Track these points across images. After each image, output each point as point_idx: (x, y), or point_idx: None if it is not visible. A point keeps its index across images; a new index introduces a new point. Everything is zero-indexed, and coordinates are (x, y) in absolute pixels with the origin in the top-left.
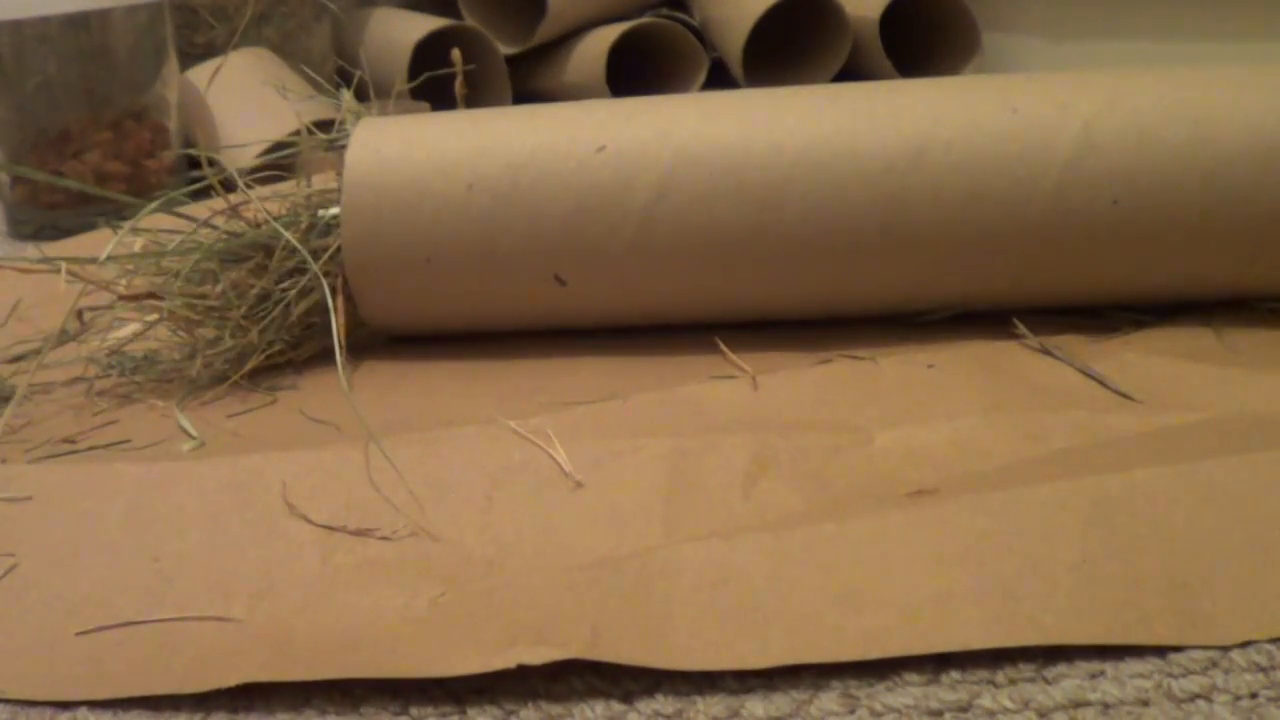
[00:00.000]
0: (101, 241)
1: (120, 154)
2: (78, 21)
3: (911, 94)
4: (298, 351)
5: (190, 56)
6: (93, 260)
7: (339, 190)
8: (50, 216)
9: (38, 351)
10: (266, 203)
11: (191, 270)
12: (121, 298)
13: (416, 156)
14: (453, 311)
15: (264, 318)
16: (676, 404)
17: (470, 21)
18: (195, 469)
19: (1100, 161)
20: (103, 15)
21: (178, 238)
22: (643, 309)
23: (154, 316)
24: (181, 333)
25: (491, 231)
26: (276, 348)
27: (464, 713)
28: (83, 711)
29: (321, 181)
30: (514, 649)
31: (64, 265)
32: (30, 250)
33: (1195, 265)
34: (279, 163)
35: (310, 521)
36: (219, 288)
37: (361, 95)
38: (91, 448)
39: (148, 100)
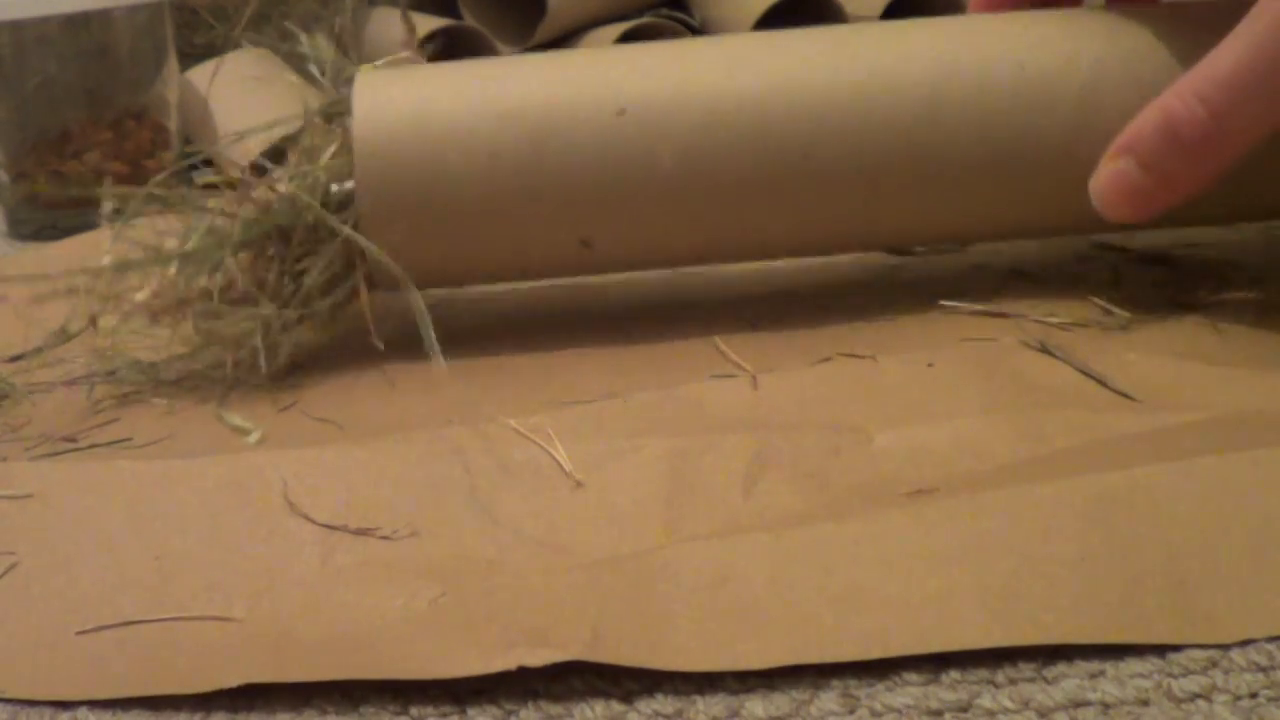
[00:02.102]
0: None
1: (120, 154)
2: (78, 21)
3: (922, 43)
4: (326, 330)
5: (190, 56)
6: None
7: (349, 162)
8: (50, 216)
9: (38, 351)
10: (272, 181)
11: (210, 267)
12: (154, 314)
13: (430, 125)
14: (475, 271)
15: (289, 299)
16: (676, 403)
17: (470, 21)
18: (196, 467)
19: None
20: (103, 15)
21: (187, 232)
22: (668, 260)
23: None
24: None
25: (515, 201)
26: (307, 331)
27: (464, 713)
28: (83, 711)
29: (317, 145)
30: (514, 650)
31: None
32: (30, 251)
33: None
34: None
35: (311, 521)
36: (230, 277)
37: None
38: (92, 446)
39: (148, 100)
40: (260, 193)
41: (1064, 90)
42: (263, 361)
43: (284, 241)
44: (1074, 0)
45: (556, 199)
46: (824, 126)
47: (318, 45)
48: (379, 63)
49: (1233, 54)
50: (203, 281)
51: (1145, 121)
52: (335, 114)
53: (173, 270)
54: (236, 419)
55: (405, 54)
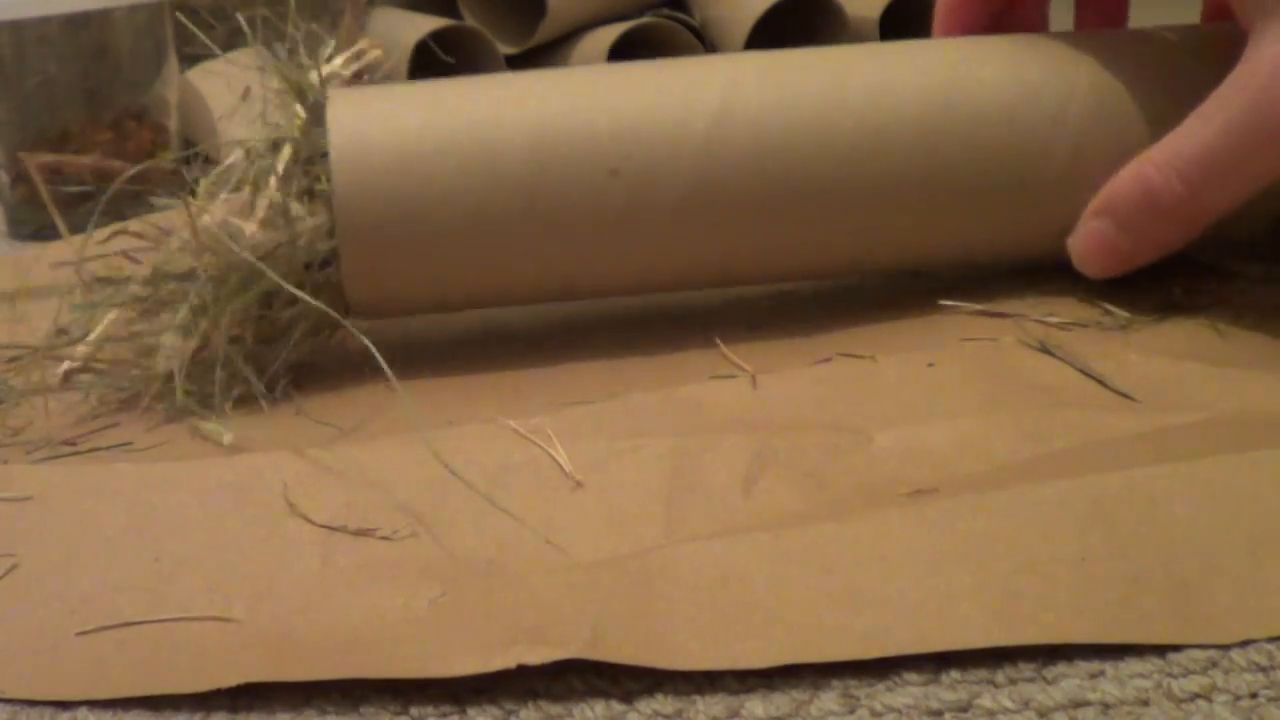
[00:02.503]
0: (101, 239)
1: (120, 154)
2: (78, 21)
3: (919, 80)
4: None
5: (190, 56)
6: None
7: (329, 214)
8: (50, 216)
9: (36, 352)
10: (257, 245)
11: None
12: (145, 403)
13: (412, 187)
14: (459, 304)
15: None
16: (676, 403)
17: (470, 21)
18: (196, 469)
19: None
20: (103, 15)
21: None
22: (659, 287)
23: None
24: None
25: (505, 260)
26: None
27: (464, 713)
28: (83, 711)
29: (292, 190)
30: (514, 649)
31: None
32: (30, 250)
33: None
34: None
35: (311, 522)
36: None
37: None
38: (92, 449)
39: (148, 100)
40: (241, 258)
41: (1069, 104)
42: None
43: (263, 303)
44: (1034, 23)
45: (545, 258)
46: (818, 183)
47: (280, 67)
48: (337, 60)
49: (1209, 134)
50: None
51: (1124, 186)
52: (308, 157)
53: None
54: (209, 425)
55: (363, 44)
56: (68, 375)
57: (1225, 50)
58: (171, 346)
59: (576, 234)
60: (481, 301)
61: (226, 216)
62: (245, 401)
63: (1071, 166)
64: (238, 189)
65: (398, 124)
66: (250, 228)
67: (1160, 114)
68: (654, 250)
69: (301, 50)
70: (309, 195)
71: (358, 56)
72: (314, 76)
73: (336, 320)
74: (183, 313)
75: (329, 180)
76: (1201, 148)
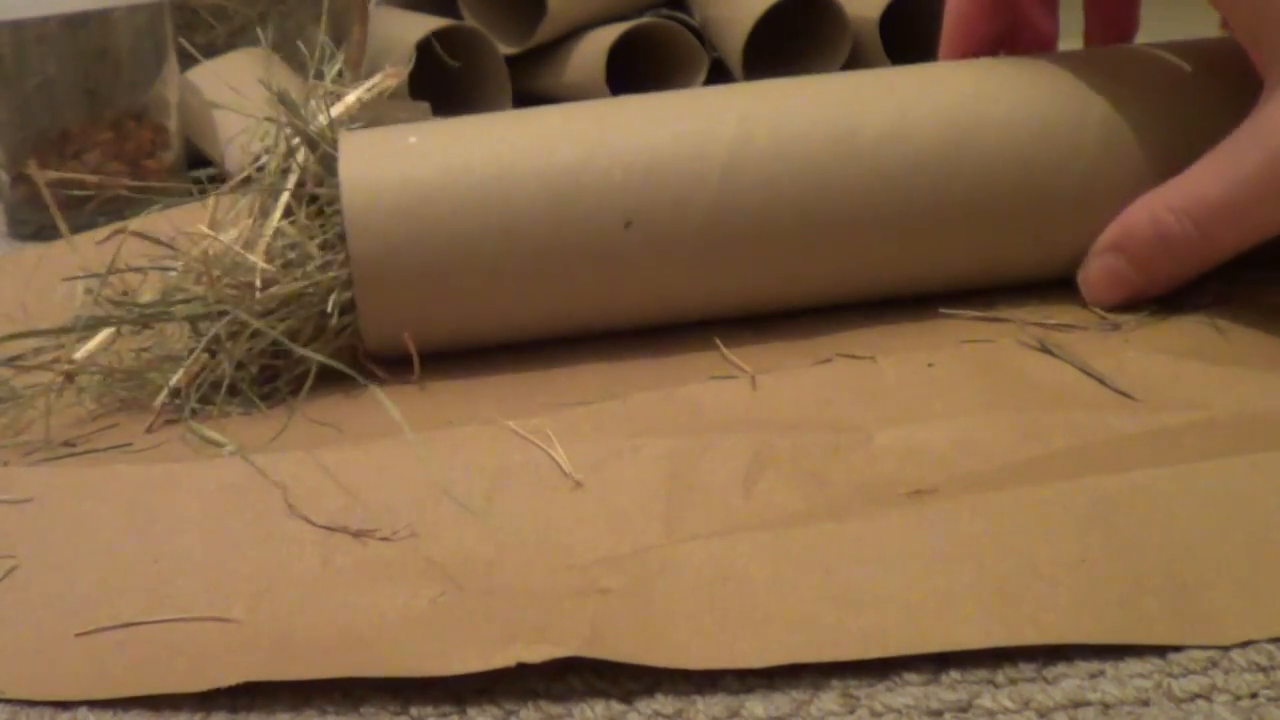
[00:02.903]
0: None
1: (120, 154)
2: (78, 21)
3: (935, 114)
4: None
5: (190, 56)
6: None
7: (346, 270)
8: (50, 216)
9: (38, 353)
10: (270, 300)
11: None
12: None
13: (429, 243)
14: (474, 344)
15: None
16: (676, 404)
17: (470, 21)
18: (195, 470)
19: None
20: (103, 15)
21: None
22: (672, 321)
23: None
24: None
25: (521, 312)
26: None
27: (464, 712)
28: (83, 711)
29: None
30: (513, 647)
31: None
32: (29, 251)
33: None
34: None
35: (311, 522)
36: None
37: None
38: (92, 450)
39: (148, 100)
40: (262, 304)
41: (1082, 138)
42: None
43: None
44: (1046, 33)
45: (559, 305)
46: (829, 230)
47: (277, 108)
48: (355, 126)
49: (1223, 184)
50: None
51: (1137, 226)
52: (319, 201)
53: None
54: (209, 433)
55: (391, 73)
56: (69, 377)
57: (1234, 68)
58: (175, 372)
59: (590, 284)
60: (497, 341)
61: (235, 247)
62: (244, 400)
63: (1081, 202)
64: (248, 216)
65: (410, 177)
66: (259, 262)
67: (1169, 144)
68: (666, 295)
69: (311, 73)
70: (322, 245)
71: (374, 88)
72: (324, 119)
73: (350, 373)
74: (190, 359)
75: (341, 234)
76: (1216, 196)
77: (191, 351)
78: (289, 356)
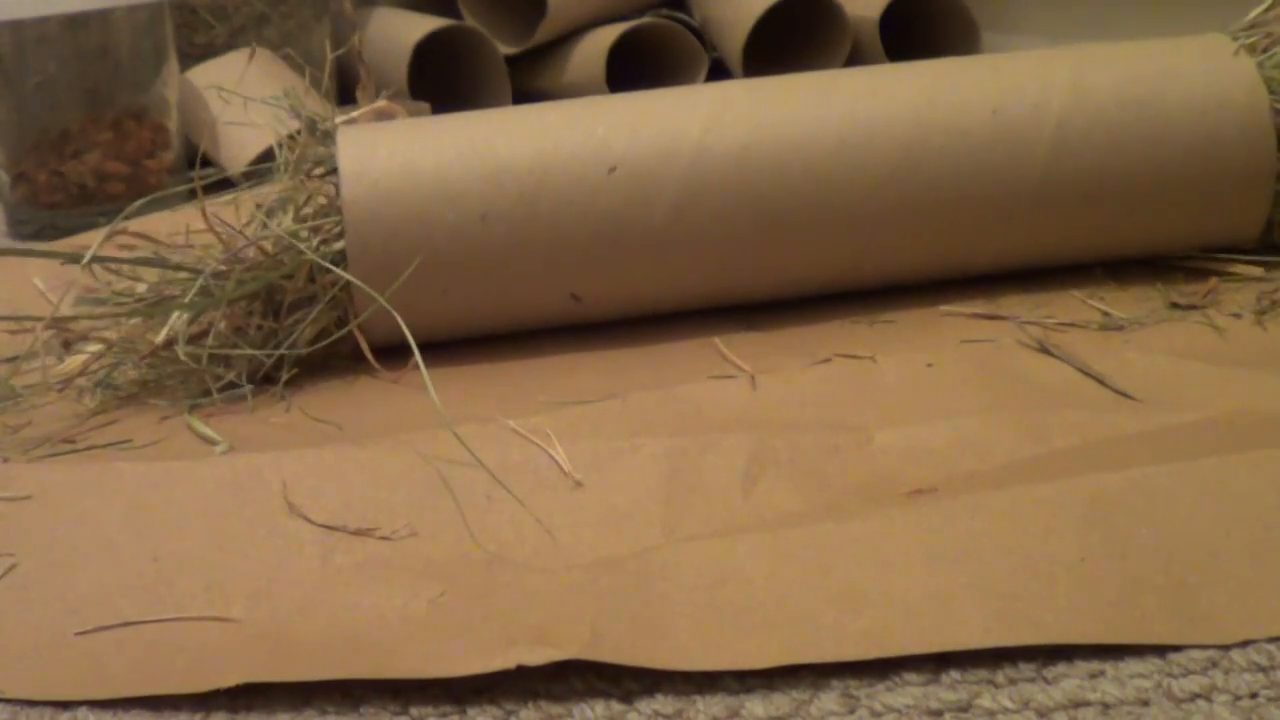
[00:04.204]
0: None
1: (120, 154)
2: (78, 21)
3: (899, 92)
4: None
5: (190, 56)
6: (75, 258)
7: (338, 223)
8: (50, 216)
9: (37, 353)
10: (264, 241)
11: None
12: (143, 357)
13: (421, 187)
14: (465, 327)
15: (273, 348)
16: (675, 403)
17: (470, 21)
18: (195, 468)
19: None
20: (103, 15)
21: (158, 284)
22: (655, 310)
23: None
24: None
25: (506, 260)
26: (292, 372)
27: (464, 713)
28: (83, 711)
29: (301, 198)
30: (513, 649)
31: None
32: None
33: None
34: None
35: (310, 521)
36: (220, 324)
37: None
38: (91, 447)
39: (148, 100)
40: (253, 253)
41: (1037, 132)
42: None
43: (270, 298)
44: None
45: (547, 257)
46: (808, 177)
47: (295, 95)
48: (355, 114)
49: None
50: (184, 329)
51: None
52: (321, 174)
53: (168, 322)
54: (204, 428)
55: (383, 100)
56: (65, 344)
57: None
58: (174, 320)
59: (577, 234)
60: (488, 313)
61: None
62: (245, 399)
63: (1052, 162)
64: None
65: (404, 143)
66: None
67: (1143, 108)
68: (652, 255)
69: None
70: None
71: (378, 114)
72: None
73: (342, 318)
74: (192, 292)
75: (338, 191)
76: None
77: (186, 292)
78: (282, 319)
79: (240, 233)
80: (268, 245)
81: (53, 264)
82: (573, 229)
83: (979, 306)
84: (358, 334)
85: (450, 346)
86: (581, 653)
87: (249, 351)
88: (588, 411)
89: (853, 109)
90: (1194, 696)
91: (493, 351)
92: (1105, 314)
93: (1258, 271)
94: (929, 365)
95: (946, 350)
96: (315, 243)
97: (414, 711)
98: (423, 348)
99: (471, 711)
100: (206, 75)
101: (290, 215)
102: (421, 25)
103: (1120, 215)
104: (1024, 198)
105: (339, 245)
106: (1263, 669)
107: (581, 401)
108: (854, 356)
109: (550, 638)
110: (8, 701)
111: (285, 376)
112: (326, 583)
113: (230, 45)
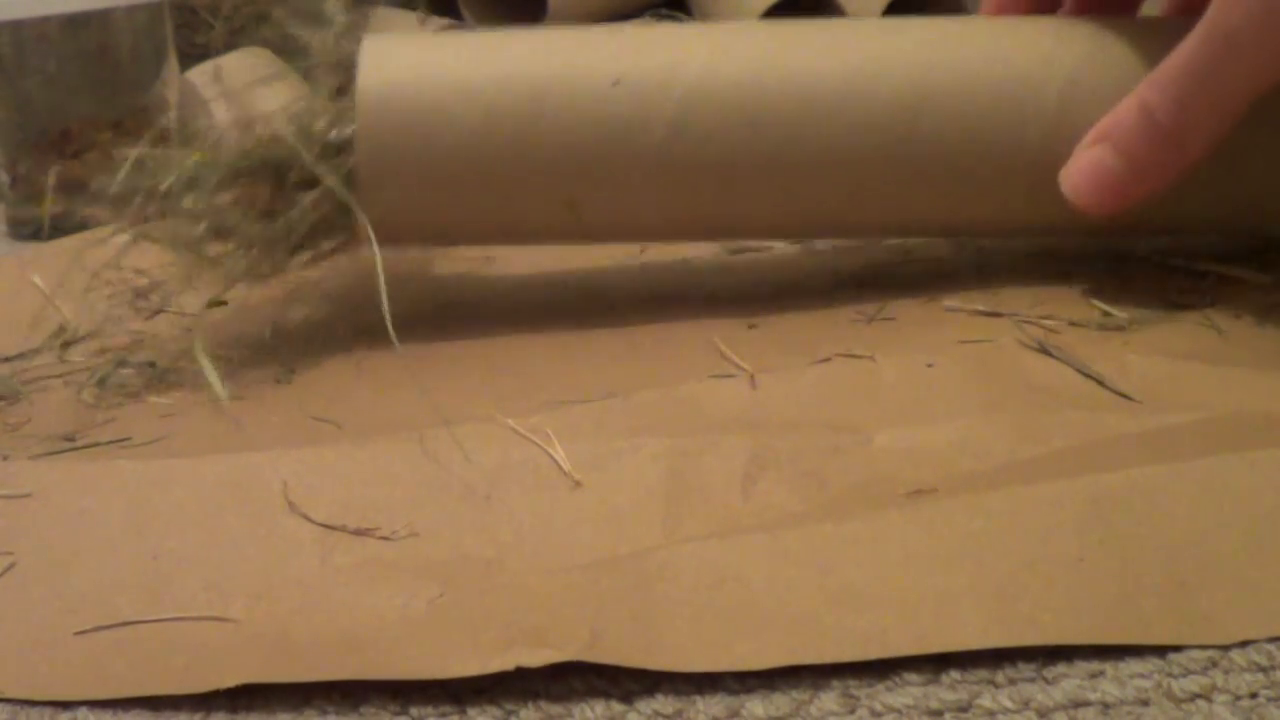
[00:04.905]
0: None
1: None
2: (78, 21)
3: (912, 35)
4: (312, 262)
5: (190, 56)
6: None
7: (351, 110)
8: (50, 216)
9: (37, 351)
10: (274, 118)
11: (197, 190)
12: (133, 224)
13: (432, 81)
14: (465, 229)
15: (274, 233)
16: (675, 403)
17: (470, 21)
18: (194, 466)
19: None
20: (103, 15)
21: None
22: (651, 232)
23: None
24: (186, 252)
25: (510, 160)
26: (297, 258)
27: (464, 713)
28: (83, 711)
29: (321, 94)
30: (512, 650)
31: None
32: (30, 251)
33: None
34: None
35: (310, 520)
36: (225, 198)
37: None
38: (91, 445)
39: (148, 100)
40: (260, 128)
41: (1044, 91)
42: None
43: (278, 180)
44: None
45: (548, 160)
46: (812, 110)
47: (322, 41)
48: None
49: (1188, 45)
50: (189, 203)
51: (1124, 112)
52: (343, 68)
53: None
54: (208, 366)
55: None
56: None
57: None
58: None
59: (577, 140)
60: (488, 213)
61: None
62: (245, 393)
63: (1060, 116)
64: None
65: (422, 44)
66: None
67: (1148, 51)
68: (648, 173)
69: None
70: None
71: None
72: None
73: (347, 206)
74: (195, 156)
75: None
76: (1182, 59)
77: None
78: (287, 196)
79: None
80: (278, 124)
81: (52, 262)
82: (573, 134)
83: (979, 303)
84: (360, 216)
85: (448, 345)
86: (580, 654)
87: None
88: (587, 410)
89: (862, 46)
90: (1194, 696)
91: (492, 350)
92: (1105, 313)
93: (1263, 280)
94: (929, 365)
95: (946, 350)
96: (325, 125)
97: (414, 711)
98: (414, 341)
99: (471, 711)
100: (206, 75)
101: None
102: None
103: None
104: (1031, 146)
105: (348, 131)
106: (1263, 669)
107: (581, 400)
108: (854, 356)
109: (549, 639)
110: (7, 701)
111: (284, 369)
112: (326, 583)
113: (230, 45)
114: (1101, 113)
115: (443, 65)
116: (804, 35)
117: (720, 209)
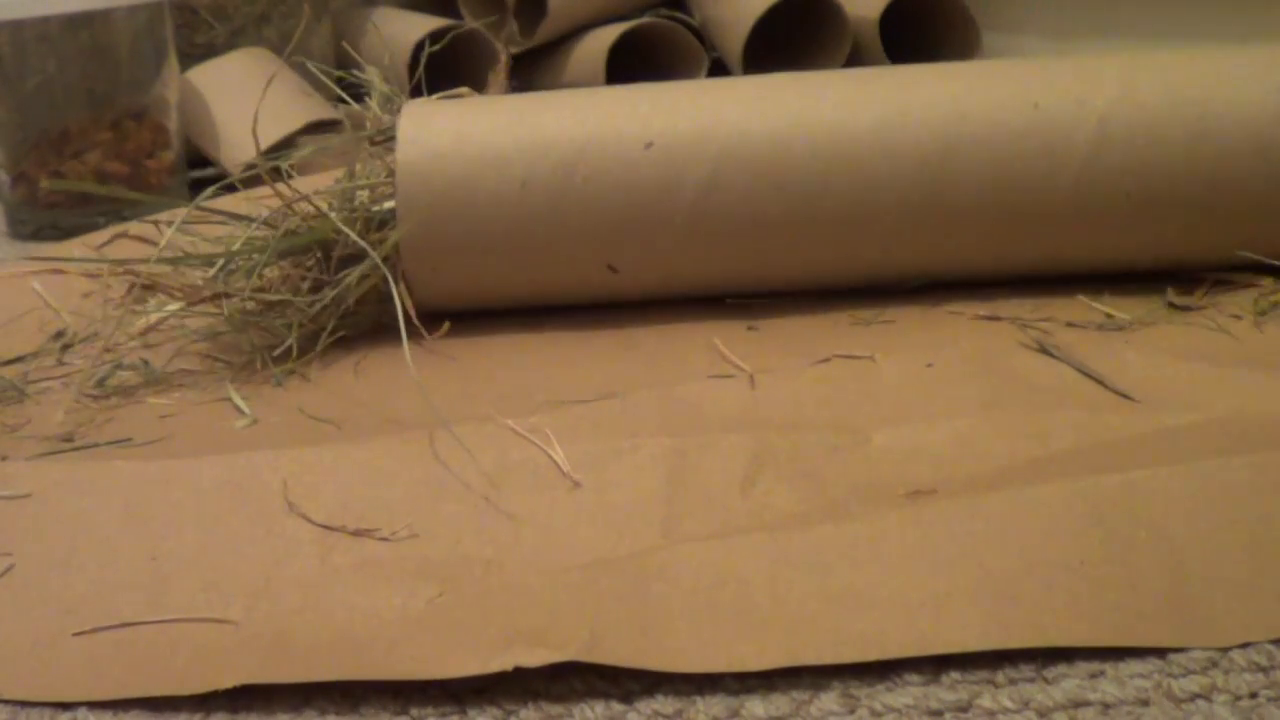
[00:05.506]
0: (103, 241)
1: (120, 154)
2: (78, 21)
3: (938, 86)
4: (355, 329)
5: (190, 56)
6: (140, 261)
7: (391, 184)
8: (50, 216)
9: (36, 354)
10: (318, 198)
11: (249, 268)
12: (192, 303)
13: (468, 153)
14: (507, 294)
15: (322, 306)
16: (675, 403)
17: (470, 21)
18: (193, 467)
19: (1115, 157)
20: (103, 15)
21: (232, 237)
22: (690, 287)
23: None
24: (238, 331)
25: (546, 227)
26: (340, 333)
27: (464, 713)
28: (83, 711)
29: (363, 169)
30: (512, 650)
31: (112, 265)
32: (43, 250)
33: (1190, 245)
34: (314, 158)
35: (309, 521)
36: (267, 276)
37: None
38: (90, 446)
39: (148, 100)
40: (302, 206)
41: (1074, 136)
42: (294, 347)
43: (323, 254)
44: None
45: (584, 227)
46: (841, 167)
47: (372, 75)
48: (434, 96)
49: None
50: (239, 282)
51: None
52: (382, 140)
53: (212, 270)
54: (239, 399)
55: (463, 90)
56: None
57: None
58: (223, 264)
59: (611, 205)
60: (527, 280)
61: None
62: (244, 393)
63: (1091, 160)
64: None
65: (458, 114)
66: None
67: (1185, 114)
68: (682, 232)
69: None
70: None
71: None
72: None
73: (385, 274)
74: (241, 240)
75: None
76: None
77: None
78: (332, 273)
79: (296, 192)
80: (323, 203)
81: (52, 263)
82: (607, 200)
83: (979, 307)
84: (401, 292)
85: (448, 345)
86: (579, 654)
87: (292, 304)
88: (586, 411)
89: (889, 99)
90: (1194, 696)
91: (492, 350)
92: (1106, 315)
93: (1263, 281)
94: (929, 365)
95: (946, 350)
96: (367, 199)
97: (414, 711)
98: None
99: (471, 712)
100: (206, 75)
101: (348, 178)
102: (421, 25)
103: (1163, 220)
104: (1062, 195)
105: (389, 204)
106: (1262, 669)
107: (580, 401)
108: (854, 356)
109: (548, 639)
110: (7, 702)
111: (328, 336)
112: (325, 583)
113: (230, 45)
114: (1132, 154)
115: (478, 134)
116: (832, 89)
117: (752, 264)
